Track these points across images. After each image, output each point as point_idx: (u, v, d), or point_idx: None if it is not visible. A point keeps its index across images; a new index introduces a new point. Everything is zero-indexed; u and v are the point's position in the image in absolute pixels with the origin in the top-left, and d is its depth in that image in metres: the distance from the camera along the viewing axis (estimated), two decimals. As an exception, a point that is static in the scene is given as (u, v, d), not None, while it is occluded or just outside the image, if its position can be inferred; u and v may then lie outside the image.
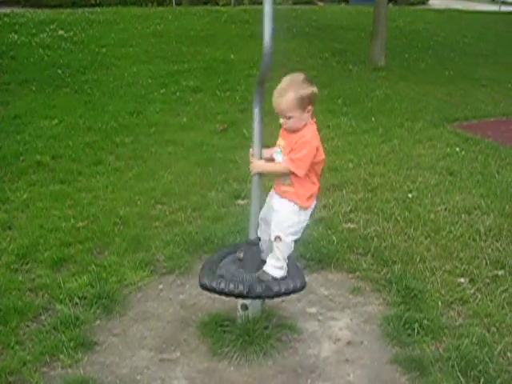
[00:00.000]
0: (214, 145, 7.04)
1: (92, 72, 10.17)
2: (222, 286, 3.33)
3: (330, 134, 7.55)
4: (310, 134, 3.25)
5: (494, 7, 26.88)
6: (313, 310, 4.02)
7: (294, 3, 20.05)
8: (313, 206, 3.48)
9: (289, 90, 3.18)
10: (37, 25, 13.36)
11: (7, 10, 15.69)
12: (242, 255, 3.57)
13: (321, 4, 23.09)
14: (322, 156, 3.34)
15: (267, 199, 3.54)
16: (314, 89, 3.27)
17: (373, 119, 8.26)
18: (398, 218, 5.21)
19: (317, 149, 3.27)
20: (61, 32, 12.62)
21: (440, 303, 3.99)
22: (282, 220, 3.36)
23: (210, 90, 9.46)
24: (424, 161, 6.73)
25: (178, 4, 20.53)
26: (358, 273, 4.43)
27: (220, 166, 6.38)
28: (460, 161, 6.77)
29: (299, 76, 3.29)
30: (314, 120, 3.35)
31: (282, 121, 3.26)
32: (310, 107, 3.23)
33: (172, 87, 9.51)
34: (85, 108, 8.41)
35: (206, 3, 20.43)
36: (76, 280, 4.19)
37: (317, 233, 4.91)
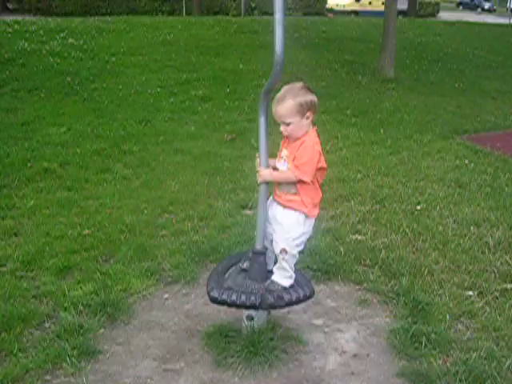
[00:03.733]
0: (222, 154, 7.03)
1: (101, 80, 10.21)
2: (234, 297, 3.30)
3: (339, 144, 7.52)
4: (311, 140, 3.24)
5: (503, 20, 26.81)
6: (319, 321, 3.97)
7: (304, 14, 20.08)
8: (316, 215, 3.45)
9: (287, 97, 3.19)
10: (47, 33, 13.43)
11: (18, 18, 15.78)
12: (245, 265, 3.55)
13: (331, 16, 23.16)
14: (323, 164, 3.31)
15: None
16: (313, 97, 3.26)
17: (381, 131, 8.23)
18: (406, 230, 5.16)
19: (319, 153, 3.26)
20: (71, 40, 12.67)
21: (448, 316, 3.93)
22: (287, 232, 3.33)
23: (218, 99, 9.47)
24: (433, 173, 6.69)
25: (189, 14, 20.64)
26: (365, 284, 4.38)
27: (227, 176, 6.37)
28: (469, 173, 6.72)
29: (298, 84, 3.29)
30: (315, 128, 3.33)
31: (282, 128, 3.25)
32: (309, 114, 3.22)
33: (181, 96, 9.53)
34: (93, 116, 8.43)
35: (216, 13, 20.51)
36: (81, 288, 4.16)
37: (324, 244, 4.87)
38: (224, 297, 3.32)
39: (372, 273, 4.51)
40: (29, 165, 6.61)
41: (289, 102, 3.18)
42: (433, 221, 5.42)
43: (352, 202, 5.83)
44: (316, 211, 3.41)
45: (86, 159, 6.84)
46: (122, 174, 6.48)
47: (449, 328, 3.83)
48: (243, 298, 3.29)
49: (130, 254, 4.66)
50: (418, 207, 5.69)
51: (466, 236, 5.13)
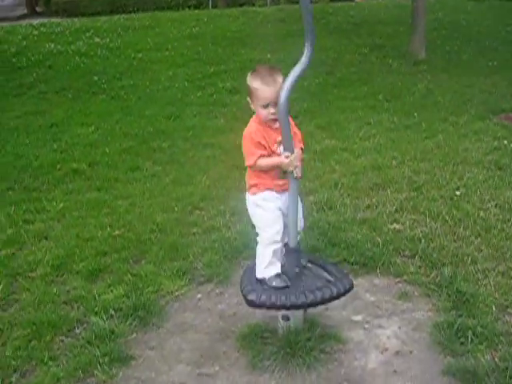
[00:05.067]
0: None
1: (128, 77, 10.13)
2: (273, 299, 3.15)
3: (372, 130, 7.31)
4: None
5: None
6: (358, 317, 3.80)
7: (331, 0, 19.77)
8: None
9: (277, 77, 3.14)
10: (73, 33, 13.42)
11: (45, 21, 15.81)
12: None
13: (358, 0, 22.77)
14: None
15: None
16: None
17: (415, 114, 7.98)
18: (446, 218, 4.95)
19: None
20: (97, 39, 12.63)
21: (494, 308, 3.73)
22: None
23: (247, 91, 9.27)
24: (471, 156, 6.44)
25: (215, 7, 20.48)
26: (405, 277, 4.19)
27: (258, 170, 6.22)
28: (509, 154, 6.46)
29: (267, 65, 3.31)
30: None
31: (273, 111, 3.11)
32: None
33: (209, 89, 9.40)
34: (121, 114, 8.35)
35: (242, 5, 20.30)
36: (112, 291, 4.07)
37: (360, 235, 4.69)
38: (263, 299, 3.18)
39: (412, 264, 4.32)
40: (58, 166, 6.56)
41: (280, 82, 3.10)
42: (473, 206, 5.19)
43: (388, 190, 5.62)
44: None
45: (115, 158, 6.76)
46: (151, 171, 6.39)
47: (496, 320, 3.63)
48: (283, 298, 3.14)
49: (161, 254, 4.56)
50: (458, 192, 5.46)
51: (509, 221, 4.89)
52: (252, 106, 3.27)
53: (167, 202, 5.54)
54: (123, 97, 9.17)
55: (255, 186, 3.39)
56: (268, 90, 3.10)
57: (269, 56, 11.43)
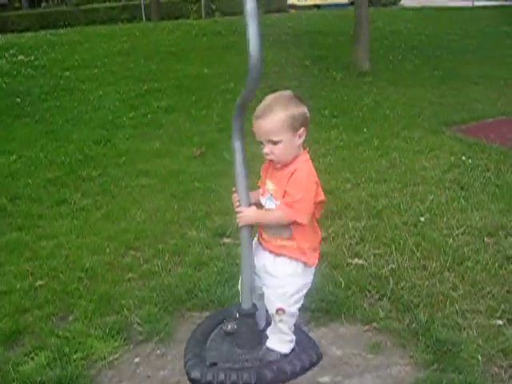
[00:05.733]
0: (192, 173, 6.25)
1: (54, 98, 9.33)
2: (222, 377, 2.55)
3: (321, 149, 6.78)
4: (305, 167, 2.51)
5: (465, 2, 26.25)
6: (325, 378, 3.21)
7: (265, 12, 19.31)
8: (317, 263, 2.70)
9: (276, 108, 2.48)
10: (-6, 51, 12.52)
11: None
12: (230, 327, 2.78)
13: (292, 11, 22.47)
14: (321, 195, 2.57)
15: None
16: (306, 109, 2.52)
17: (365, 130, 7.51)
18: (413, 249, 4.43)
19: (317, 185, 2.52)
20: (21, 57, 11.75)
21: (480, 357, 3.21)
22: (282, 287, 2.60)
23: (184, 109, 8.65)
24: (429, 175, 5.98)
25: (148, 20, 19.83)
26: (374, 323, 3.64)
27: (199, 198, 5.59)
28: (469, 171, 6.03)
29: (286, 92, 2.55)
30: (308, 150, 2.59)
31: (266, 150, 2.50)
32: (302, 130, 2.49)
33: (142, 109, 8.69)
34: (46, 139, 7.59)
35: (177, 18, 19.70)
36: (32, 359, 3.39)
37: (320, 274, 4.12)
38: (209, 377, 2.57)
39: (381, 308, 3.78)
40: (-26, 203, 5.80)
41: (278, 114, 2.47)
42: (440, 233, 4.70)
43: (345, 218, 5.09)
44: (316, 257, 2.69)
45: (39, 191, 6.03)
46: (80, 205, 5.69)
47: (483, 373, 3.11)
48: (234, 376, 2.54)
49: (90, 308, 3.89)
50: (422, 218, 4.96)
51: (481, 250, 4.41)
52: None
53: (97, 242, 4.85)
54: (49, 120, 8.38)
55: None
56: (254, 123, 2.50)
57: (206, 71, 10.81)
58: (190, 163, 6.57)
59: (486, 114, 8.39)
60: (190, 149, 7.03)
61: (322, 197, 2.62)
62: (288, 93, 2.61)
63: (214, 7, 28.17)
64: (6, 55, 12.04)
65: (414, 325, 3.55)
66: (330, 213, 5.15)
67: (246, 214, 2.60)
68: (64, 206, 5.70)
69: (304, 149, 2.62)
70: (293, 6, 33.24)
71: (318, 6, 30.15)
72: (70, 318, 3.85)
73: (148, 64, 11.27)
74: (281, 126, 2.47)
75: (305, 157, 2.61)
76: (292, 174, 2.53)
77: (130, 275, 4.34)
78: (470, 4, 26.62)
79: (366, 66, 10.72)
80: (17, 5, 33.92)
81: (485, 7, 23.53)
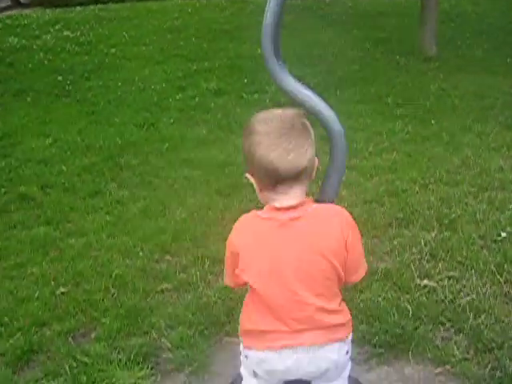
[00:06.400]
0: (240, 165, 5.65)
1: (98, 77, 8.81)
2: None
3: (384, 143, 6.09)
4: None
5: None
6: None
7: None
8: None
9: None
10: (41, 26, 12.02)
11: (26, 11, 14.39)
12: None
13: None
14: (244, 273, 2.00)
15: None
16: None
17: (432, 122, 6.76)
18: (495, 272, 3.75)
19: (232, 254, 2.07)
20: (66, 33, 11.27)
21: None
22: None
23: (234, 92, 8.02)
24: (508, 178, 5.24)
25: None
26: (448, 365, 3.02)
27: (249, 195, 4.97)
28: (557, 178, 5.28)
29: (297, 112, 1.95)
30: None
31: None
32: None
33: (190, 91, 8.09)
34: (86, 121, 7.09)
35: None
36: (44, 389, 2.90)
37: (383, 298, 3.51)
38: None
39: (457, 345, 3.14)
40: (3, 190, 5.35)
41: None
42: (525, 253, 4.00)
43: (412, 227, 4.41)
44: (250, 342, 2.05)
45: (73, 179, 5.55)
46: (115, 197, 5.18)
47: None
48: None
49: (115, 326, 3.40)
50: (503, 233, 4.25)
51: None
52: None
53: (130, 243, 4.33)
54: (90, 100, 7.87)
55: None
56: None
57: (259, 51, 10.10)
58: (239, 154, 5.96)
59: None
60: (239, 137, 6.41)
61: (243, 276, 1.97)
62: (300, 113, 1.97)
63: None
64: (52, 30, 11.58)
65: (497, 372, 2.91)
66: (394, 220, 4.51)
67: None
68: (98, 197, 5.21)
69: None
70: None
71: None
72: (92, 336, 3.41)
73: (199, 42, 10.65)
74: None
75: None
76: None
77: (164, 285, 3.83)
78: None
79: (433, 51, 9.88)
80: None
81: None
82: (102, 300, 3.67)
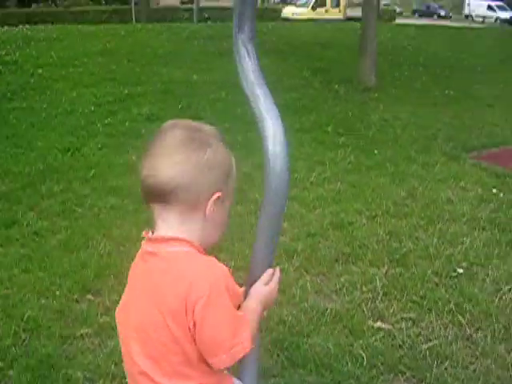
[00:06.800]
0: (173, 194, 5.22)
1: (22, 98, 8.22)
2: None
3: (327, 173, 5.78)
4: None
5: (460, 23, 25.42)
6: None
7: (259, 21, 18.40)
8: None
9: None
10: (-36, 45, 11.39)
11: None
12: None
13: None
14: None
15: None
16: None
17: (376, 152, 6.51)
18: (454, 311, 3.41)
19: None
20: (-9, 51, 10.67)
21: None
22: None
23: (168, 117, 7.41)
24: (457, 210, 4.99)
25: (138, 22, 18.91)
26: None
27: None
28: (505, 208, 5.05)
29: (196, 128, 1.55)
30: None
31: None
32: None
33: (120, 115, 7.61)
34: (6, 144, 6.51)
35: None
36: None
37: (334, 344, 3.10)
38: None
39: (421, 399, 2.77)
40: None
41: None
42: (483, 290, 3.69)
43: (360, 262, 4.07)
44: None
45: (-13, 207, 4.98)
46: (33, 227, 4.63)
47: None
48: None
49: (24, 380, 2.88)
50: (460, 270, 3.93)
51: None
52: None
53: (47, 280, 3.81)
54: (12, 122, 7.28)
55: None
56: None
57: (195, 77, 9.76)
58: (172, 182, 5.54)
59: (507, 140, 7.45)
60: (172, 164, 5.99)
61: None
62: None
63: (206, 15, 27.44)
64: (-25, 50, 10.93)
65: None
66: (341, 255, 4.15)
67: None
68: (14, 228, 4.67)
69: None
70: (287, 20, 32.55)
71: (312, 21, 29.51)
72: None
73: (132, 66, 10.19)
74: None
75: None
76: None
77: (84, 330, 3.32)
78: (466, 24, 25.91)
79: (372, 81, 9.75)
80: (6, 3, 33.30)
81: (482, 28, 22.79)
82: (10, 347, 3.13)
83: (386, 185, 5.58)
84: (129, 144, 6.58)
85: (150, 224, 4.01)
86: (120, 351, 2.96)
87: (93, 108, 7.85)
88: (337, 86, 9.52)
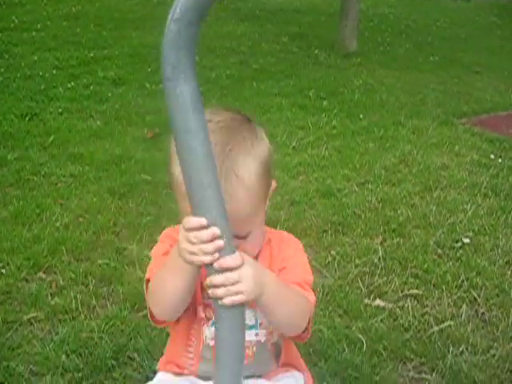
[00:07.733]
0: (139, 160, 4.67)
1: (-23, 63, 7.60)
2: None
3: (309, 137, 5.29)
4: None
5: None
6: None
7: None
8: None
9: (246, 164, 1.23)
10: None
11: None
12: None
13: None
14: None
15: None
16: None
17: (361, 116, 6.03)
18: (467, 288, 2.96)
19: None
20: None
21: None
22: None
23: (136, 81, 7.01)
24: (454, 176, 4.55)
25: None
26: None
27: (147, 196, 4.02)
28: (504, 174, 4.63)
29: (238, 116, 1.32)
30: None
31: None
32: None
33: (84, 79, 6.99)
34: (-46, 110, 5.91)
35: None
36: None
37: (327, 326, 2.64)
38: None
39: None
40: None
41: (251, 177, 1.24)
42: (494, 265, 3.24)
43: (352, 232, 3.60)
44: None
45: None
46: (-17, 198, 4.09)
47: None
48: None
49: None
50: (466, 239, 3.48)
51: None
52: None
53: (-6, 256, 3.29)
54: (-36, 87, 6.68)
55: None
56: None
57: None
58: (138, 147, 4.99)
59: (497, 106, 7.04)
60: (140, 130, 5.45)
61: None
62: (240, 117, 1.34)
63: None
64: None
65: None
66: (330, 224, 3.68)
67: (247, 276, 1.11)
68: (-40, 199, 4.11)
69: None
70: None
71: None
72: None
73: (98, 30, 9.53)
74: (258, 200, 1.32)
75: None
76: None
77: (33, 313, 2.81)
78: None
79: (353, 46, 9.24)
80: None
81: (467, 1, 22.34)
82: None
83: (375, 150, 5.11)
84: (93, 108, 6.00)
85: (113, 193, 3.49)
86: (73, 338, 2.51)
87: (54, 72, 7.23)
88: (317, 51, 9.00)
